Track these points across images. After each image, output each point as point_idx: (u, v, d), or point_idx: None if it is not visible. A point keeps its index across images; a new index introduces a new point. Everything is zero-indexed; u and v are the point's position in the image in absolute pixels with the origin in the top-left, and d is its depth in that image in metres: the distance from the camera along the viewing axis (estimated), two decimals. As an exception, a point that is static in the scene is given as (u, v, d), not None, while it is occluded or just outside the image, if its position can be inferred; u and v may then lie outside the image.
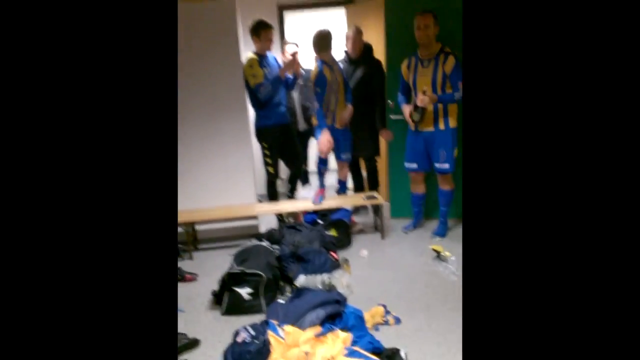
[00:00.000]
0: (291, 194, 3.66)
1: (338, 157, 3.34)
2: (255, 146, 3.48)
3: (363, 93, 3.35)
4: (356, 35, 3.27)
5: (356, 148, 3.48)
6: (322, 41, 3.00)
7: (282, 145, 3.42)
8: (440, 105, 2.91)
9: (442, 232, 3.18)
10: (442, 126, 2.95)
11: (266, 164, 3.43)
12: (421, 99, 2.83)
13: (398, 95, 3.13)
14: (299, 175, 3.69)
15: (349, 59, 3.39)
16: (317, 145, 3.13)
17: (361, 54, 3.36)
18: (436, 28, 2.84)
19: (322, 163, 3.27)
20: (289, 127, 3.47)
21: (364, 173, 3.77)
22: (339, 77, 3.11)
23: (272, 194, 3.54)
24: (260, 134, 3.38)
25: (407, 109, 2.99)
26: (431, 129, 2.98)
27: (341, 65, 3.28)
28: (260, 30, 3.17)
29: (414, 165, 3.15)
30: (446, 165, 2.99)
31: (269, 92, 3.17)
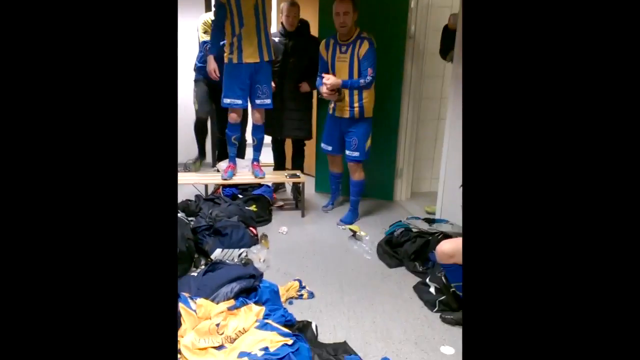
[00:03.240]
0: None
1: (252, 104, 3.03)
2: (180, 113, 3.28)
3: (298, 70, 3.28)
4: (290, 7, 3.18)
5: (288, 128, 3.42)
6: None
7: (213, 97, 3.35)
8: (355, 93, 2.89)
9: (349, 220, 3.18)
10: (357, 114, 2.94)
11: (194, 102, 3.45)
12: (324, 83, 2.83)
13: (317, 79, 3.05)
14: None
15: (285, 32, 3.28)
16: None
17: (296, 28, 3.26)
18: (355, 14, 2.80)
19: (232, 130, 3.09)
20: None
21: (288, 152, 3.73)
22: (249, 1, 2.76)
23: (200, 132, 3.56)
24: (195, 83, 3.42)
25: (323, 88, 2.91)
26: (346, 115, 2.96)
27: (277, 39, 3.19)
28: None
29: (329, 148, 3.17)
30: (356, 154, 3.01)
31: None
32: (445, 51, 3.10)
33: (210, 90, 3.36)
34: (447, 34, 3.01)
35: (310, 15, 3.57)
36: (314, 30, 3.45)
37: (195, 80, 3.44)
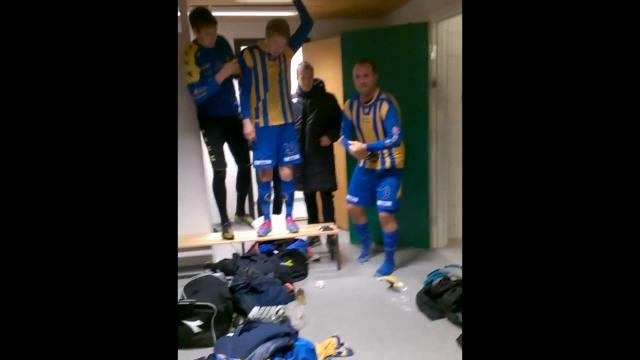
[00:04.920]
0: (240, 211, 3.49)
1: (281, 162, 3.10)
2: (209, 175, 3.36)
3: (319, 127, 3.42)
4: (305, 69, 3.37)
5: (313, 182, 3.51)
6: (272, 24, 2.79)
7: (227, 136, 3.17)
8: (386, 151, 2.96)
9: (385, 271, 3.14)
10: (388, 165, 2.99)
11: (210, 154, 3.10)
12: (351, 147, 2.96)
13: (342, 139, 3.13)
14: (247, 170, 3.43)
15: (301, 93, 3.46)
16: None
17: (312, 88, 3.43)
18: (375, 76, 2.92)
19: (264, 188, 3.19)
20: (234, 119, 3.14)
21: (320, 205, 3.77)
22: (274, 68, 2.90)
23: (219, 192, 3.20)
24: (202, 122, 3.14)
25: (352, 147, 2.99)
26: (378, 167, 3.03)
27: (295, 100, 3.34)
28: (200, 25, 2.77)
29: (355, 199, 3.18)
30: (388, 203, 3.01)
31: (203, 97, 2.86)
32: None
33: (223, 132, 3.09)
34: None
35: (324, 73, 3.76)
36: (331, 87, 3.62)
37: (206, 127, 3.05)
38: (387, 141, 2.85)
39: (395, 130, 2.84)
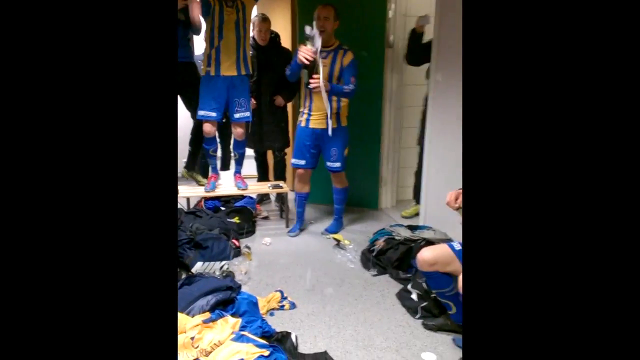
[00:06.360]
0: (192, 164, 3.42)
1: (231, 118, 3.02)
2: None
3: (273, 83, 3.29)
4: (262, 22, 3.20)
5: (264, 139, 3.42)
6: None
7: (182, 86, 3.05)
8: (334, 104, 2.87)
9: (333, 230, 3.14)
10: (333, 124, 2.89)
11: None
12: (316, 79, 2.74)
13: (288, 68, 2.91)
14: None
15: (257, 47, 3.29)
16: None
17: (269, 42, 3.28)
18: (336, 22, 2.83)
19: (207, 143, 3.06)
20: (189, 67, 3.13)
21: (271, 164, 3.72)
22: (230, 15, 2.79)
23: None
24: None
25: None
26: (323, 126, 2.92)
27: (250, 53, 3.20)
28: None
29: (302, 162, 3.03)
30: (337, 164, 2.98)
31: None
32: (412, 55, 3.10)
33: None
34: (415, 37, 3.02)
35: (281, 26, 3.59)
36: (283, 43, 3.47)
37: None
38: (346, 87, 2.80)
39: (352, 80, 2.79)
